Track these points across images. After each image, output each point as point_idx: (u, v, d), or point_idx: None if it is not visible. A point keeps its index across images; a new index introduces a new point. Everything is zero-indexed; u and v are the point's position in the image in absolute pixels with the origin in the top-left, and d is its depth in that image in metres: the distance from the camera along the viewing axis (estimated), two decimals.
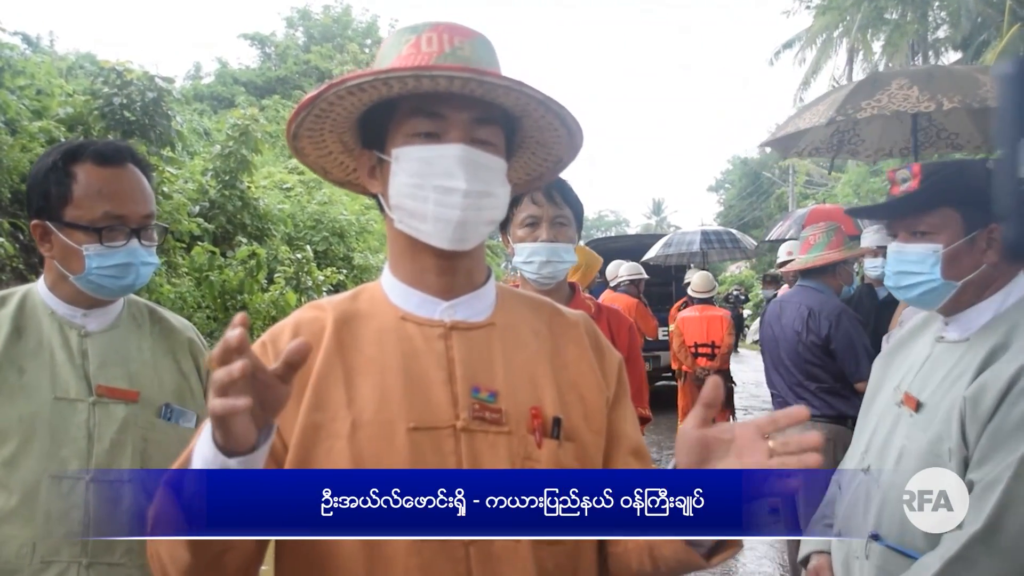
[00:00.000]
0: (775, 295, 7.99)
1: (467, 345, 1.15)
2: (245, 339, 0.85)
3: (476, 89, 1.06)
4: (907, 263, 1.63)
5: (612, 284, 8.27)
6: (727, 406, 7.45)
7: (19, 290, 1.65)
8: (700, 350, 7.34)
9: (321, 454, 1.07)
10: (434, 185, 1.09)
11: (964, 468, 1.49)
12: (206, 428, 0.92)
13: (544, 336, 1.21)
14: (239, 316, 0.86)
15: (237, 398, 0.84)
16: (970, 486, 1.44)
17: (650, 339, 8.87)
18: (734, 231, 11.78)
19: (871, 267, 4.60)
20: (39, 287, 1.64)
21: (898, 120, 4.63)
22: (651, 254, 10.56)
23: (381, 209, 1.19)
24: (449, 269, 1.17)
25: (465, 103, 1.09)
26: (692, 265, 10.08)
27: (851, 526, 1.65)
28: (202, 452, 0.92)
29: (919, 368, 1.69)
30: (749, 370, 13.47)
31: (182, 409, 1.64)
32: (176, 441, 1.57)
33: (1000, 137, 0.66)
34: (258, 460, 0.92)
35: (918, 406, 1.61)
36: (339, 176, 1.27)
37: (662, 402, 9.05)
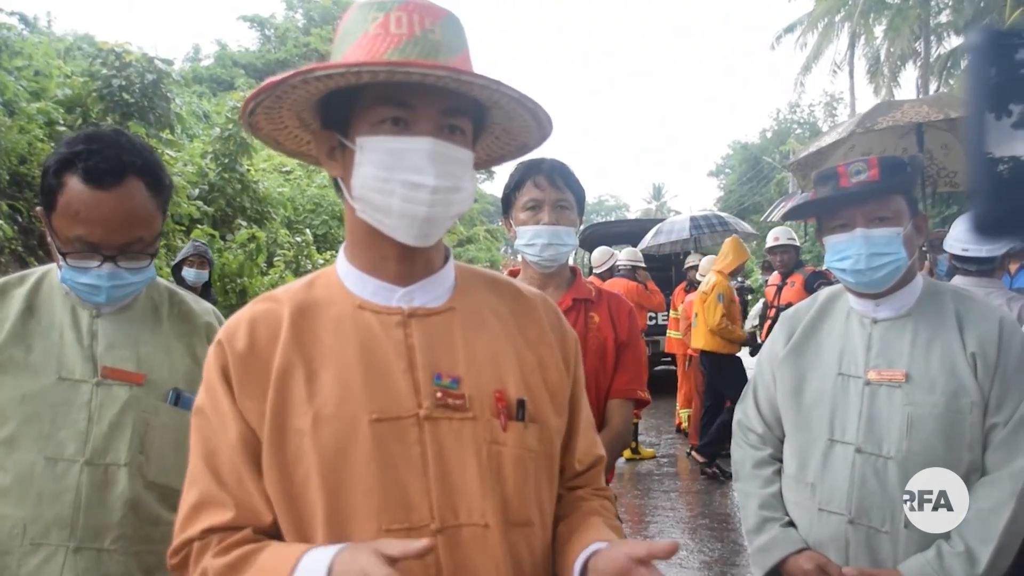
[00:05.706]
0: None
1: (426, 331, 1.12)
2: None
3: (451, 83, 1.03)
4: (878, 245, 1.73)
5: (597, 271, 7.96)
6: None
7: (39, 270, 1.61)
8: None
9: (290, 454, 1.06)
10: (401, 180, 1.05)
11: (983, 417, 1.67)
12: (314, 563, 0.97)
13: (506, 317, 1.19)
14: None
15: None
16: (991, 428, 1.66)
17: (650, 320, 8.74)
18: (724, 215, 11.44)
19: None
20: (57, 268, 1.59)
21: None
22: (644, 244, 10.32)
23: (338, 190, 1.15)
24: (409, 258, 1.14)
25: (436, 94, 1.05)
26: (696, 251, 9.96)
27: (870, 510, 1.67)
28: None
29: (868, 348, 1.78)
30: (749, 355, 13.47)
31: (190, 396, 1.55)
32: (181, 426, 1.47)
33: (970, 110, 0.66)
34: None
35: (907, 377, 1.71)
36: (291, 147, 1.22)
37: (660, 386, 9.06)
